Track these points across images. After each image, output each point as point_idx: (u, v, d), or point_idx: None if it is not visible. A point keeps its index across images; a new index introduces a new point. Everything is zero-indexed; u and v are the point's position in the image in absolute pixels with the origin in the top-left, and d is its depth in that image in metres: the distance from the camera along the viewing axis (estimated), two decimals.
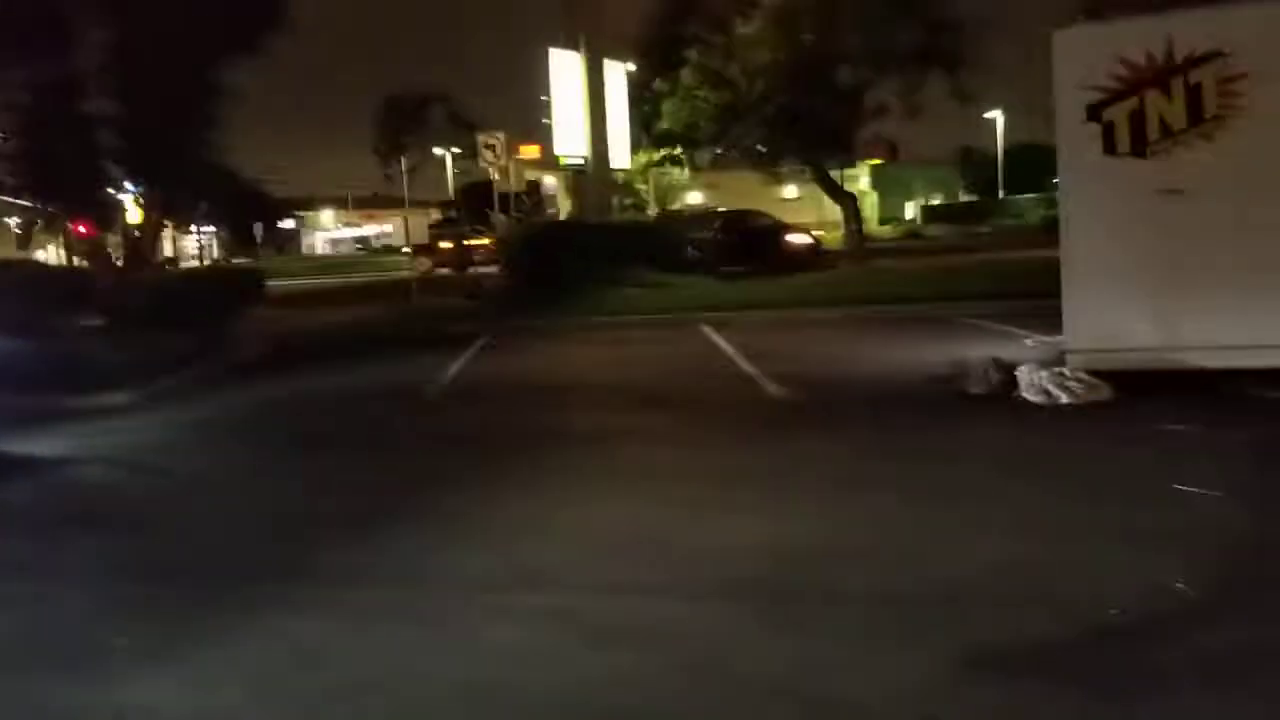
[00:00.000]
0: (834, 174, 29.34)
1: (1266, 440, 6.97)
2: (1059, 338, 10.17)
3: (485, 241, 30.28)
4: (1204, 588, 4.48)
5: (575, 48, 22.67)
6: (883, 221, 61.84)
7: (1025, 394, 8.43)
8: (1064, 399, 8.17)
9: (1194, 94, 8.26)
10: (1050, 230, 11.10)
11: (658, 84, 24.70)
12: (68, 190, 15.61)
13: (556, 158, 24.88)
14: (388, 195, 77.85)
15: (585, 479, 7.10)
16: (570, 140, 23.60)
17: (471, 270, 30.27)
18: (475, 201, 27.77)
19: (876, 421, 8.42)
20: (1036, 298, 14.37)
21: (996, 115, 60.01)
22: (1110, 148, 8.54)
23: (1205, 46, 8.17)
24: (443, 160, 65.90)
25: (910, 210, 66.28)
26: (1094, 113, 8.57)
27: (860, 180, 59.52)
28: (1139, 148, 8.47)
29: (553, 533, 5.89)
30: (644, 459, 7.63)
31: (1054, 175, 9.95)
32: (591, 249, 21.04)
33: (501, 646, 4.36)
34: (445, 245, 36.42)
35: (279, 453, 8.87)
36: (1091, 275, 8.66)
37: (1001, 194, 62.74)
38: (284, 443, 9.30)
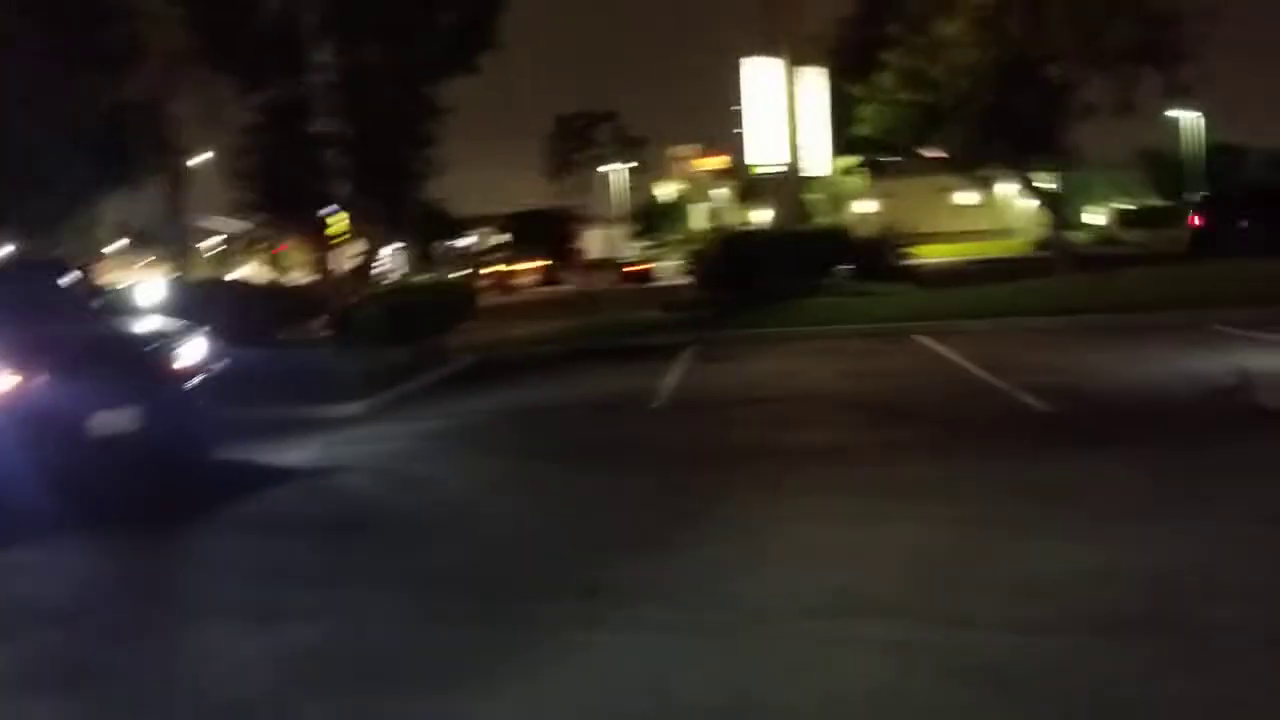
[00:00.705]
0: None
1: None
2: None
3: (530, 266, 29.88)
4: None
5: (772, 54, 22.36)
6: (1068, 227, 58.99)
7: None
8: None
9: None
10: None
11: (857, 89, 24.11)
12: (297, 208, 16.27)
13: (747, 167, 24.63)
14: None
15: (856, 496, 6.76)
16: (763, 148, 23.29)
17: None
18: (525, 227, 27.51)
19: (1164, 438, 7.77)
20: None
21: (1180, 115, 56.26)
22: None
23: None
24: (606, 177, 66.91)
25: (1090, 215, 63.04)
26: None
27: (1047, 185, 56.96)
28: None
29: (853, 555, 5.57)
30: (913, 476, 7.21)
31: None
32: (787, 257, 20.65)
33: (852, 680, 4.07)
34: (487, 271, 36.68)
35: (524, 465, 8.85)
36: None
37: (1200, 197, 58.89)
38: (524, 454, 9.29)
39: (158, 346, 8.76)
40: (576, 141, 73.65)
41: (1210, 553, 5.14)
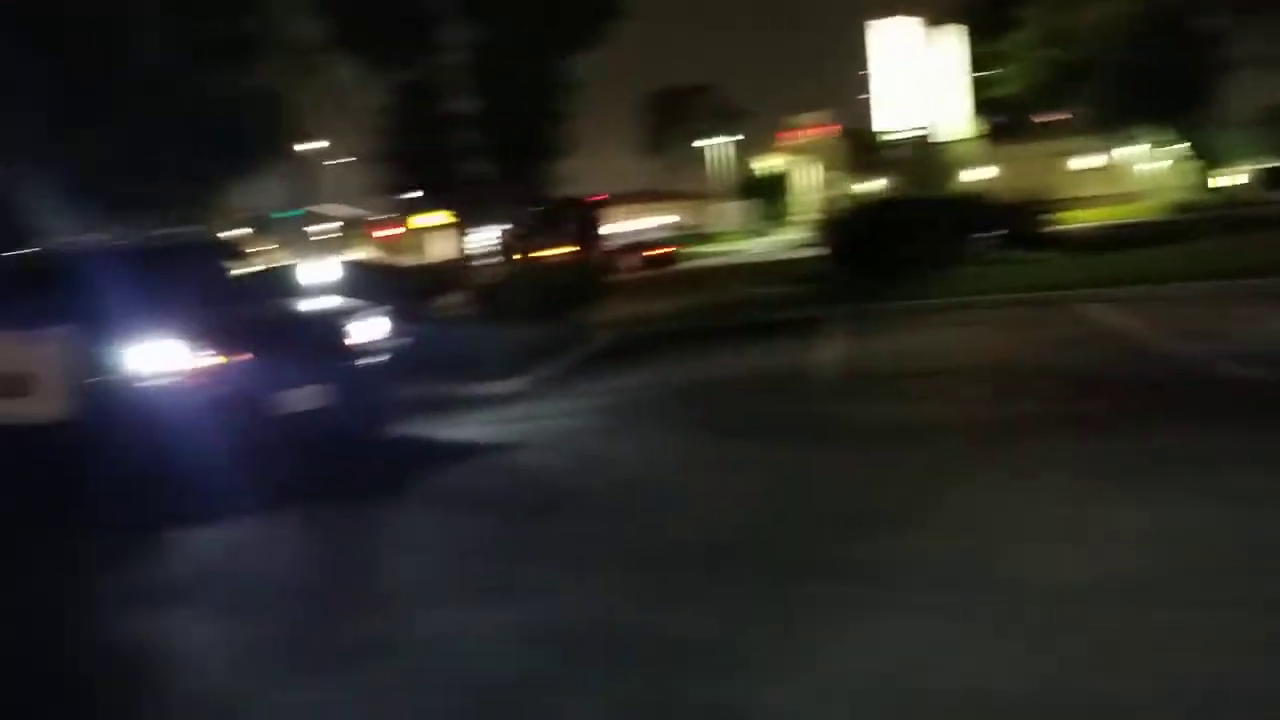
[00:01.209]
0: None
1: None
2: None
3: (558, 251, 28.69)
4: None
5: (904, 14, 21.80)
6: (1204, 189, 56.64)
7: None
8: None
9: None
10: None
11: (994, 47, 23.31)
12: (441, 188, 16.40)
13: (873, 134, 24.11)
14: (658, 189, 79.13)
15: (1088, 473, 6.42)
16: (893, 114, 22.76)
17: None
18: (553, 213, 26.52)
19: None
20: None
21: None
22: None
23: None
24: (704, 151, 66.36)
25: (1224, 177, 60.28)
26: None
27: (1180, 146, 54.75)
28: None
29: (1118, 535, 5.25)
30: (1141, 450, 6.79)
31: None
32: (927, 225, 20.13)
33: (1176, 667, 3.84)
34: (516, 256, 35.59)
35: (711, 441, 8.71)
36: None
37: None
38: (708, 429, 9.15)
39: (343, 325, 8.86)
40: (672, 116, 73.21)
41: None
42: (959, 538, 5.45)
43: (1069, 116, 26.37)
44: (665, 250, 43.29)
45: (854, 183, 39.84)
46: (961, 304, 15.85)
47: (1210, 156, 55.18)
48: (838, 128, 35.96)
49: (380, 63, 15.27)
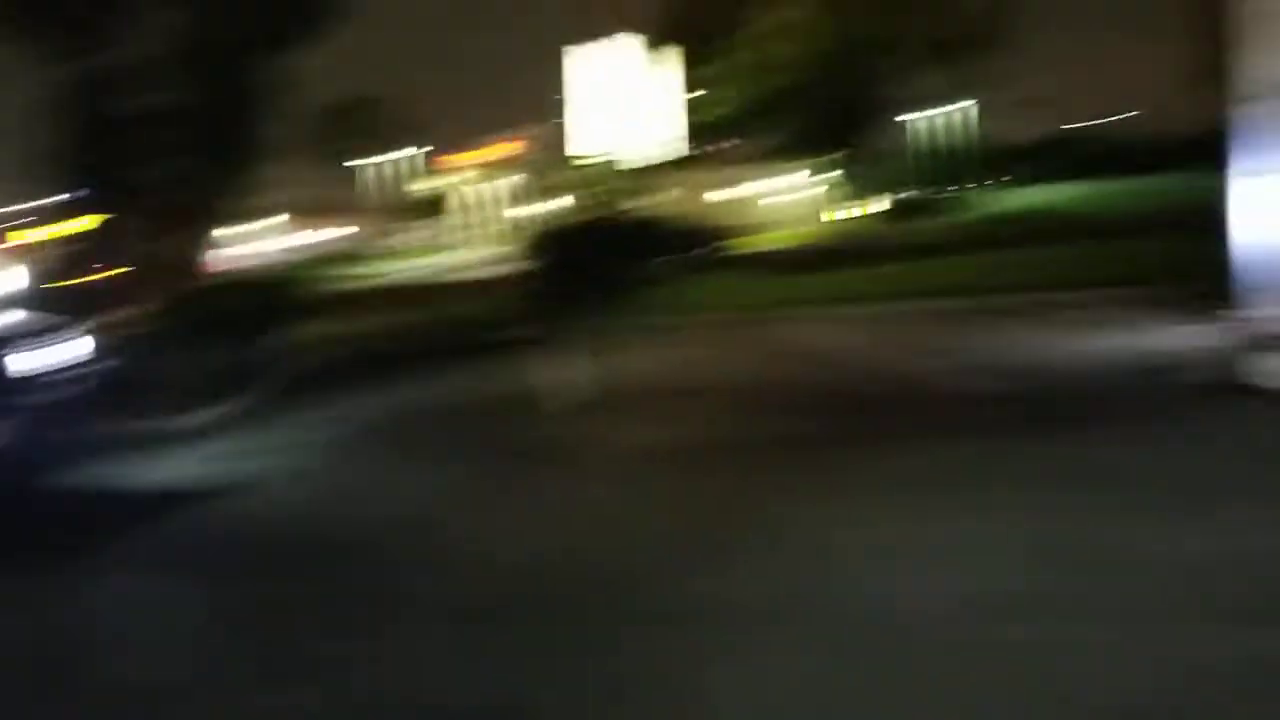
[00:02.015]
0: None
1: None
2: (1204, 325, 9.81)
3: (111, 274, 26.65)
4: None
5: (607, 37, 21.94)
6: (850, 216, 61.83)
7: None
8: None
9: None
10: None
11: (704, 71, 23.92)
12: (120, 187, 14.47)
13: (566, 156, 24.13)
14: (330, 202, 76.19)
15: (878, 489, 6.44)
16: (587, 137, 22.86)
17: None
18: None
19: (1162, 414, 7.76)
20: (1127, 285, 14.14)
21: (957, 107, 59.95)
22: None
23: None
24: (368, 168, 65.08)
25: (868, 204, 66.24)
26: None
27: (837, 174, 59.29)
28: None
29: (947, 551, 5.21)
30: (928, 464, 6.93)
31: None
32: (620, 246, 20.35)
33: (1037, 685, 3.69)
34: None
35: (456, 472, 8.01)
36: None
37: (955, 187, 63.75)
38: (446, 460, 8.43)
39: (15, 349, 7.38)
40: (343, 130, 70.78)
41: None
42: (780, 566, 5.21)
43: (738, 143, 27.67)
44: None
45: (546, 202, 40.03)
46: (680, 323, 16.01)
47: (861, 184, 60.29)
48: (531, 145, 35.86)
49: (57, 49, 13.26)
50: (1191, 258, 11.41)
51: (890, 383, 10.10)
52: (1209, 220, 10.39)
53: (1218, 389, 8.20)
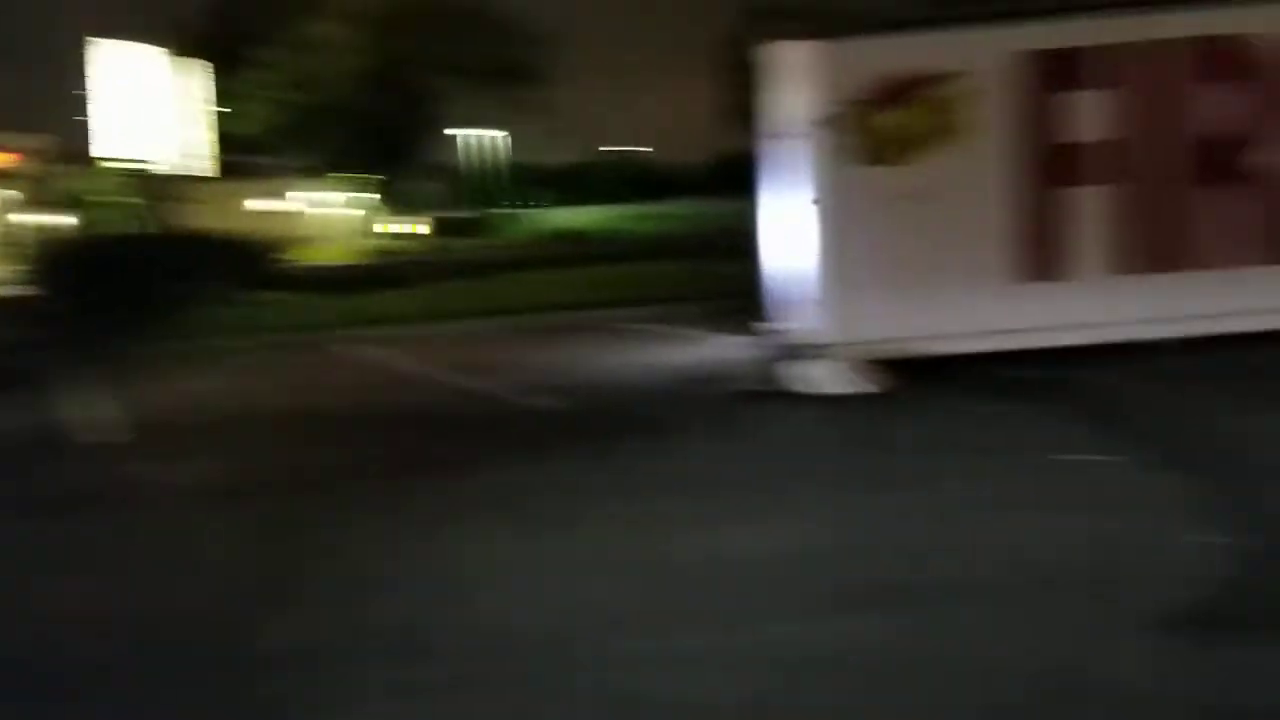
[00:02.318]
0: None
1: (1081, 405, 8.04)
2: (741, 338, 11.04)
3: None
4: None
5: (136, 38, 20.01)
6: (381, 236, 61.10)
7: (825, 388, 8.99)
8: (863, 389, 8.85)
9: (936, 108, 9.39)
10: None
11: (236, 83, 22.48)
12: None
13: (90, 162, 21.80)
14: None
15: (484, 515, 6.39)
16: (114, 143, 20.79)
17: None
18: None
19: (705, 426, 8.41)
20: (667, 303, 15.40)
21: (486, 133, 61.40)
22: (869, 156, 9.45)
23: (943, 65, 9.33)
24: None
25: (400, 224, 66.08)
26: (842, 122, 9.43)
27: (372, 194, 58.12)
28: (893, 156, 9.46)
29: (538, 570, 5.33)
30: (490, 484, 7.04)
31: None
32: (154, 263, 18.73)
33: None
34: None
35: None
36: (853, 276, 9.44)
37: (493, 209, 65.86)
38: None
39: None
40: None
41: (830, 526, 5.89)
42: (386, 598, 5.08)
43: (278, 158, 26.60)
44: None
45: (56, 214, 35.63)
46: (225, 347, 15.00)
47: (401, 205, 60.17)
48: (41, 148, 31.68)
49: None
50: (727, 276, 12.68)
51: (455, 404, 10.18)
52: (739, 242, 11.60)
53: (761, 395, 9.18)
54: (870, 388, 8.95)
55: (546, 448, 8.01)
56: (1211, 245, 9.30)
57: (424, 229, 66.31)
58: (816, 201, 10.36)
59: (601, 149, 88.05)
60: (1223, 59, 9.44)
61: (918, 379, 8.98)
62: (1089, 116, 9.32)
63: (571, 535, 5.81)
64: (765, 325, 11.20)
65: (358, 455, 8.21)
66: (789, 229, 11.48)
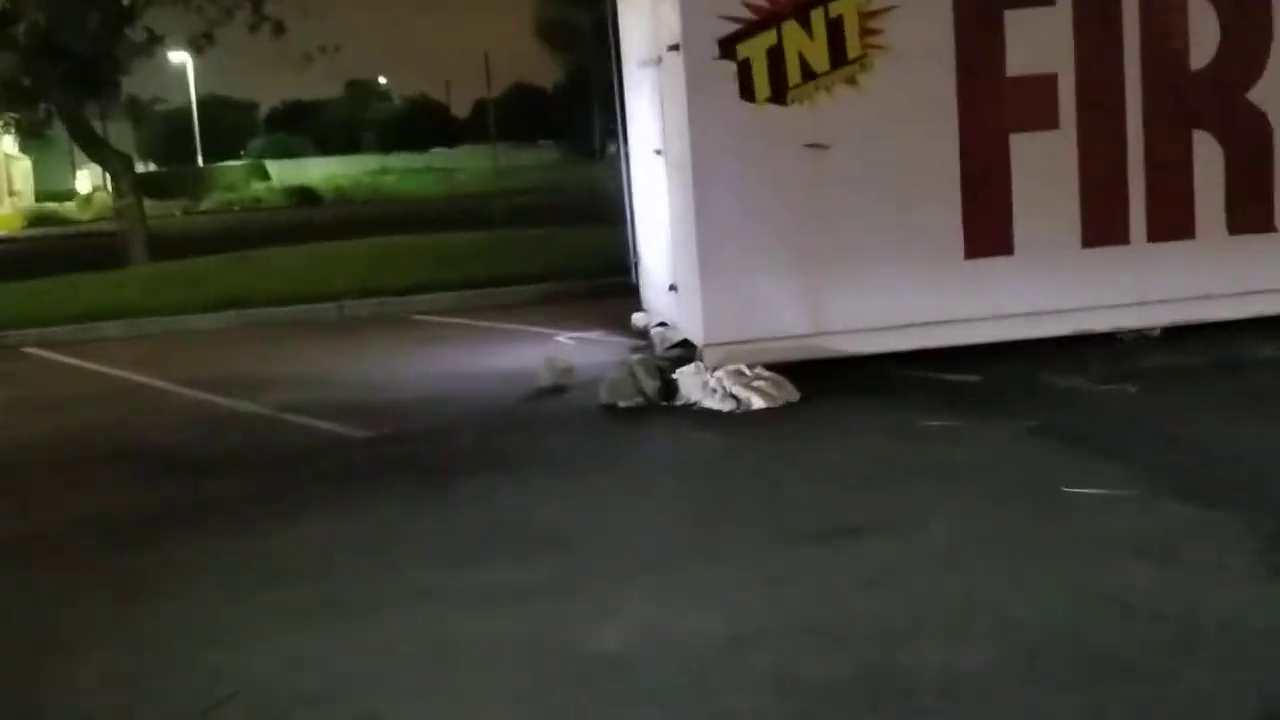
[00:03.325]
0: None
1: (1025, 416, 7.34)
2: (597, 334, 10.32)
3: None
4: None
5: None
6: (49, 196, 55.08)
7: (705, 401, 8.10)
8: (758, 402, 7.98)
9: (835, 30, 8.45)
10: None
11: None
12: None
13: None
14: None
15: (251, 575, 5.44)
16: None
17: None
18: None
19: (567, 451, 7.45)
20: (476, 287, 14.31)
21: (186, 61, 57.66)
22: (747, 92, 8.41)
23: None
24: None
25: (85, 180, 61.84)
26: (727, 48, 8.34)
27: (5, 141, 50.43)
28: (779, 93, 8.42)
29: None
30: (300, 539, 6.07)
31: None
32: None
33: None
34: None
35: None
36: (729, 254, 8.31)
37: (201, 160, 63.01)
38: None
39: None
40: None
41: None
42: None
43: None
44: None
45: None
46: None
47: (88, 154, 56.34)
48: None
49: None
50: (569, 252, 11.69)
51: (222, 429, 8.71)
52: (576, 204, 10.64)
53: (623, 412, 8.28)
54: (765, 401, 8.17)
55: (345, 490, 6.83)
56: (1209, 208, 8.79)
57: (120, 187, 62.45)
58: (659, 152, 9.27)
59: (365, 81, 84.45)
60: None
61: (827, 387, 8.22)
62: (1043, 42, 8.49)
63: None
64: (633, 318, 10.47)
65: (155, 499, 7.06)
66: (646, 189, 10.69)
